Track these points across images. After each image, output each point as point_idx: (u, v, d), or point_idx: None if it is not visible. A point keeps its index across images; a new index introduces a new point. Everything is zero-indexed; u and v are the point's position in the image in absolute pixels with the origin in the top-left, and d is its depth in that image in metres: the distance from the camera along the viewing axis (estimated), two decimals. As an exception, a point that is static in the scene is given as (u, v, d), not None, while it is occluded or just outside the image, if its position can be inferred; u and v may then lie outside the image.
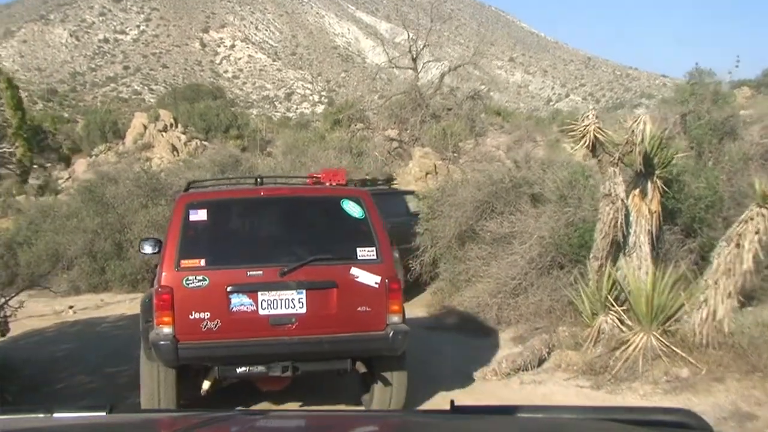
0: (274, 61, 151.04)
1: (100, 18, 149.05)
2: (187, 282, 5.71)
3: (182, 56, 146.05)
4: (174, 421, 2.35)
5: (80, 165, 39.86)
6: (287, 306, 5.80)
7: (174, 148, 40.95)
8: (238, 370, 5.86)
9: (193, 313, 5.69)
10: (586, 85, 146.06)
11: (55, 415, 2.06)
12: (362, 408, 6.69)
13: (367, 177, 15.87)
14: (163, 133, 42.48)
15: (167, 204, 16.76)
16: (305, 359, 5.93)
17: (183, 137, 42.05)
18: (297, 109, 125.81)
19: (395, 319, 5.98)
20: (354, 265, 5.93)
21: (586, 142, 8.10)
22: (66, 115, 59.60)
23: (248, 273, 5.83)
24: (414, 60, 24.18)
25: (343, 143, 24.56)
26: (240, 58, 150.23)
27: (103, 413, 2.10)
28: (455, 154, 22.58)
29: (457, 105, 24.05)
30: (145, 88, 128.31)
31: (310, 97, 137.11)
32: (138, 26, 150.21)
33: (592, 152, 8.37)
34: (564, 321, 9.39)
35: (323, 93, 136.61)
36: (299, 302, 5.82)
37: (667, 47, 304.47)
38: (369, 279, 5.89)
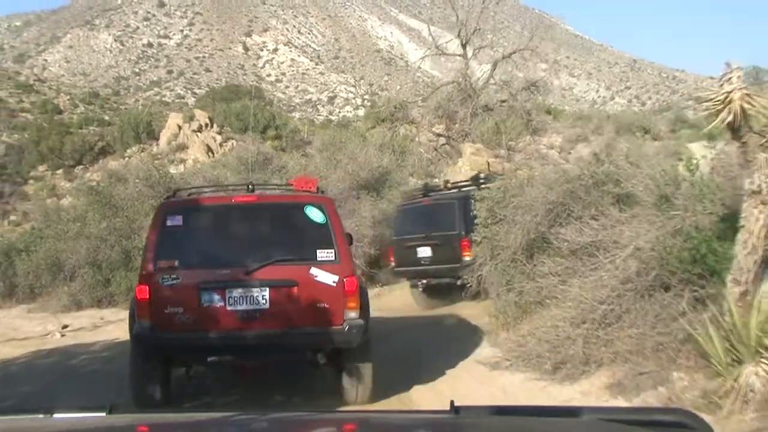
0: (316, 64, 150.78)
1: (144, 23, 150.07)
2: (163, 280, 6.31)
3: (225, 60, 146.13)
4: (174, 421, 2.35)
5: (112, 167, 38.28)
6: (252, 302, 6.36)
7: (209, 149, 39.22)
8: (209, 358, 6.59)
9: (168, 307, 6.28)
10: (631, 87, 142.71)
11: (55, 415, 2.09)
12: (339, 398, 6.90)
13: (480, 175, 14.17)
14: (198, 134, 40.84)
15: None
16: (269, 350, 6.57)
17: (218, 137, 40.31)
18: (340, 112, 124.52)
19: (352, 314, 6.47)
20: (313, 266, 6.44)
21: (727, 116, 5.60)
22: (107, 118, 58.41)
23: (217, 272, 6.42)
24: (463, 46, 21.72)
25: (385, 140, 22.25)
26: (283, 62, 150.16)
27: (103, 414, 2.13)
28: (510, 151, 20.18)
29: (512, 96, 21.55)
30: (188, 92, 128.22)
31: (353, 101, 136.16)
32: (181, 31, 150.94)
33: (733, 132, 5.88)
34: (679, 365, 6.89)
35: (366, 96, 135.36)
36: (263, 299, 6.38)
37: (714, 48, 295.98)
38: (327, 278, 6.40)
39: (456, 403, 2.17)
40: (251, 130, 29.77)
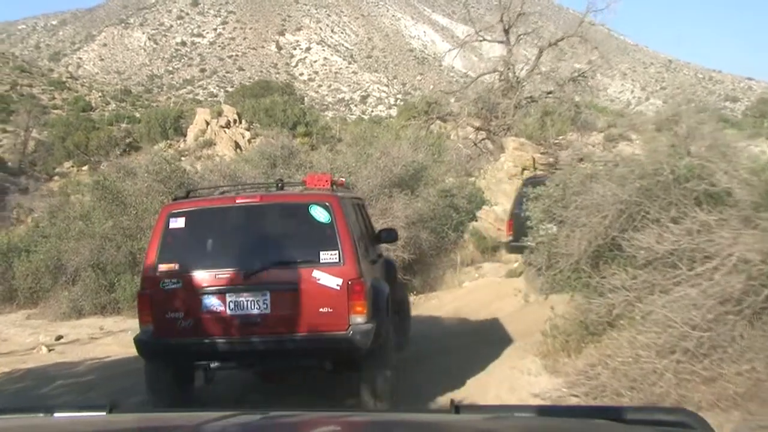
0: (349, 63, 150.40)
1: (178, 21, 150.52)
2: (164, 284, 6.12)
3: (258, 59, 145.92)
4: (174, 421, 2.35)
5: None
6: (252, 307, 6.12)
7: (237, 145, 37.97)
8: (212, 365, 6.35)
9: (170, 312, 6.11)
10: (666, 88, 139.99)
11: (56, 414, 2.09)
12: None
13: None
14: (226, 130, 39.65)
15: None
16: (271, 357, 6.30)
17: (247, 134, 39.07)
18: (372, 111, 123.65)
19: (358, 319, 6.12)
20: (316, 268, 6.11)
21: None
22: (138, 115, 57.71)
23: (217, 276, 6.15)
24: (506, 31, 19.99)
25: (419, 136, 20.67)
26: (315, 61, 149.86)
27: (103, 413, 2.12)
28: (557, 147, 18.46)
29: (559, 87, 19.81)
30: (221, 90, 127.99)
31: (386, 100, 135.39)
32: (215, 29, 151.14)
33: None
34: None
35: (399, 96, 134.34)
36: (263, 303, 6.12)
37: (751, 49, 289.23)
38: (330, 281, 6.08)
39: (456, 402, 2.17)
40: (279, 125, 28.36)
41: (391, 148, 17.17)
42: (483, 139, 19.93)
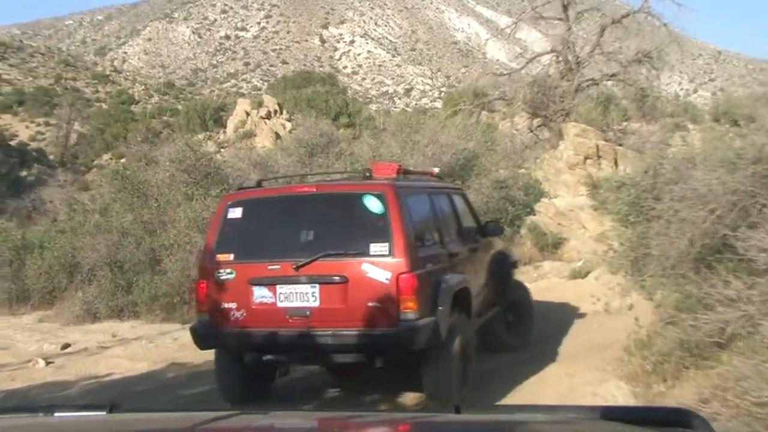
0: (393, 56, 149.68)
1: (222, 15, 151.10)
2: (219, 275, 6.08)
3: (302, 52, 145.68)
4: (175, 420, 2.33)
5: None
6: (302, 299, 5.98)
7: (277, 136, 36.83)
8: (264, 357, 6.19)
9: (224, 303, 6.05)
10: (715, 80, 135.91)
11: (56, 414, 2.07)
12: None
13: None
14: (266, 121, 38.63)
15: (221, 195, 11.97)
16: (319, 351, 6.07)
17: (288, 124, 37.94)
18: (416, 105, 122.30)
19: (410, 315, 5.77)
20: (365, 261, 5.85)
21: None
22: (180, 108, 57.29)
23: (268, 267, 6.03)
24: (565, 7, 18.25)
25: (468, 126, 19.08)
26: (359, 54, 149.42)
27: (104, 413, 2.12)
28: (621, 133, 16.75)
29: (623, 68, 18.03)
30: (265, 83, 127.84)
31: (430, 93, 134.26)
32: (258, 23, 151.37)
33: None
34: None
35: (443, 89, 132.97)
36: (312, 296, 5.96)
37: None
38: (380, 274, 5.81)
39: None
40: (316, 111, 26.99)
41: (439, 135, 15.67)
42: (539, 126, 18.26)
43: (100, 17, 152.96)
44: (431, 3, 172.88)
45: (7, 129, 53.85)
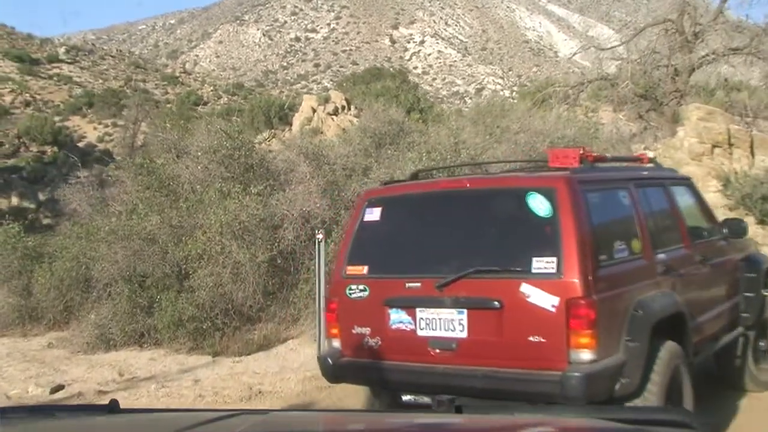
0: (464, 56, 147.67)
1: (292, 17, 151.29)
2: (350, 291, 5.16)
3: (372, 53, 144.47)
4: (175, 420, 2.25)
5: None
6: (447, 327, 4.80)
7: (345, 133, 34.75)
8: (404, 398, 5.11)
9: (356, 327, 5.14)
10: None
11: (56, 414, 2.04)
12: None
13: None
14: (333, 117, 36.58)
15: (270, 192, 9.58)
16: (463, 394, 4.62)
17: (356, 121, 35.79)
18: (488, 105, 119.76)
19: (584, 356, 4.35)
20: (526, 281, 4.50)
21: None
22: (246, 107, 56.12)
23: (406, 284, 4.95)
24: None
25: (560, 114, 16.43)
26: (429, 54, 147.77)
27: (104, 413, 2.07)
28: (750, 117, 13.78)
29: (751, 42, 15.02)
30: (335, 85, 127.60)
31: (501, 93, 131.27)
32: (328, 24, 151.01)
33: None
34: None
35: (515, 88, 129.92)
36: (459, 324, 4.75)
37: None
38: (544, 300, 4.43)
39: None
40: (386, 105, 24.59)
41: (531, 121, 13.03)
42: (649, 110, 15.40)
43: (172, 21, 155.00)
44: (502, 2, 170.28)
45: (75, 131, 53.57)
